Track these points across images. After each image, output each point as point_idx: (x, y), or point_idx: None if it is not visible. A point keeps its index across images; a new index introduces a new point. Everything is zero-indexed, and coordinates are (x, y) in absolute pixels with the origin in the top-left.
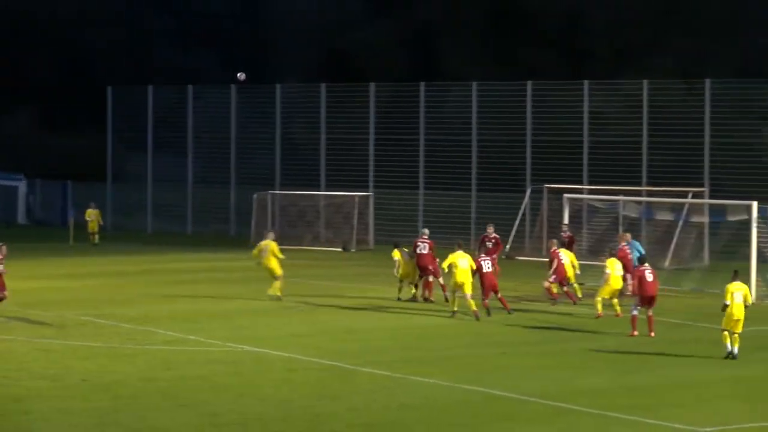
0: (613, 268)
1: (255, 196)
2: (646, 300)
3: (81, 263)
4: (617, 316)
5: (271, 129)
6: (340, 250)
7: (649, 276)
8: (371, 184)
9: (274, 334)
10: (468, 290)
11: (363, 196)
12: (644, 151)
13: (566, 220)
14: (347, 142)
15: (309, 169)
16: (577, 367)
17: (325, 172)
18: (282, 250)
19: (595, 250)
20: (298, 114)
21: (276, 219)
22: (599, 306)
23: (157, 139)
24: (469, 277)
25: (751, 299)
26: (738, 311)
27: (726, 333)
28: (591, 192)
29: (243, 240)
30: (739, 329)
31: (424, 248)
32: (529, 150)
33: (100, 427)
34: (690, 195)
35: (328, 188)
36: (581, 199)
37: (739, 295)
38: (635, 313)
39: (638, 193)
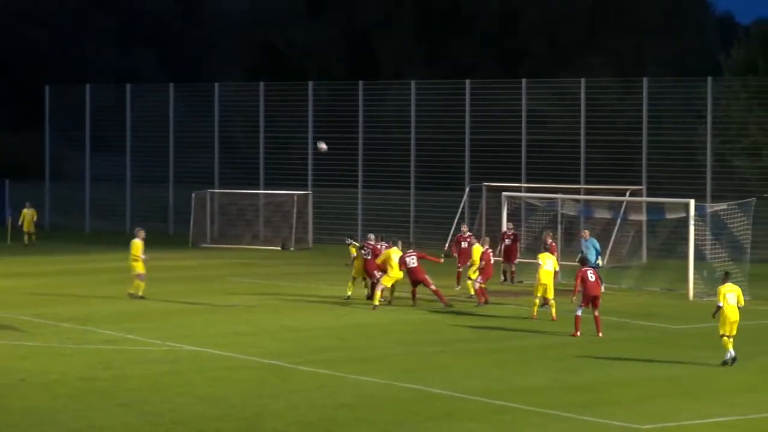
0: (544, 261)
1: (194, 194)
2: (589, 299)
3: (18, 263)
4: (533, 317)
5: (210, 128)
6: (279, 248)
7: (591, 276)
8: (310, 182)
9: (213, 333)
10: (388, 282)
11: (302, 194)
12: (582, 149)
13: (505, 218)
14: (286, 141)
15: (248, 167)
16: (516, 366)
17: (264, 170)
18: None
19: (534, 248)
20: (237, 113)
21: (215, 218)
22: (534, 308)
23: (96, 137)
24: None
25: (743, 300)
26: (732, 313)
27: (726, 339)
28: (529, 190)
29: (182, 239)
30: (735, 332)
31: (368, 254)
32: (467, 148)
33: (38, 426)
34: (628, 193)
35: (267, 187)
36: (519, 198)
37: (732, 296)
38: (579, 313)
39: (576, 192)
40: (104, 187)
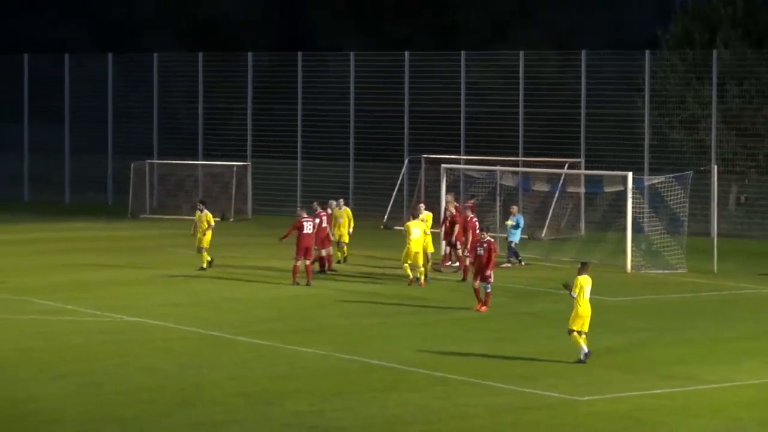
0: (410, 230)
1: (132, 165)
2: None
3: None
4: (410, 283)
5: (149, 98)
6: (218, 219)
7: (480, 250)
8: (249, 153)
9: (152, 303)
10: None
11: (241, 165)
12: (521, 122)
13: (444, 190)
14: (225, 112)
15: (187, 138)
16: (455, 337)
17: (203, 141)
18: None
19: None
20: (175, 84)
21: (154, 188)
22: (407, 270)
23: (33, 108)
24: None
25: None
26: (586, 309)
27: (577, 335)
28: (468, 162)
29: (121, 209)
30: (587, 327)
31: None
32: (407, 120)
33: None
34: (566, 166)
35: (206, 158)
36: (458, 170)
37: (588, 290)
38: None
39: (515, 164)
40: (43, 157)
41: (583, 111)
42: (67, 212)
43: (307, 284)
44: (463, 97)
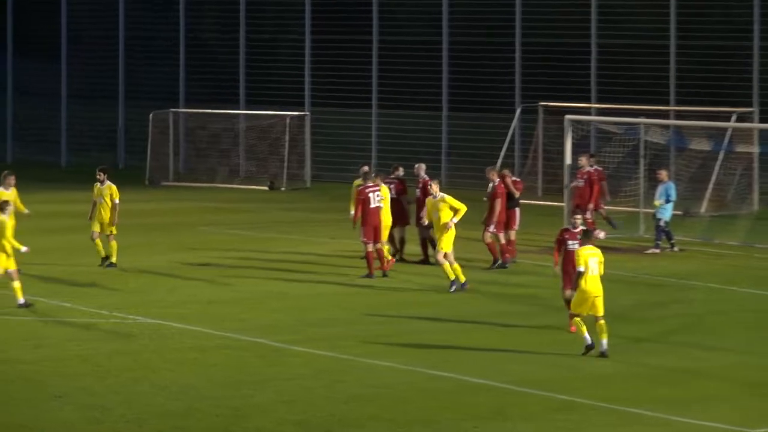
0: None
1: (152, 115)
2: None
3: None
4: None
5: (173, 27)
6: (266, 188)
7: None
8: (307, 100)
9: (176, 300)
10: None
11: (296, 116)
12: (672, 58)
13: (569, 149)
14: (274, 45)
15: (224, 80)
16: (578, 348)
17: (245, 84)
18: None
19: (610, 189)
20: (208, 7)
21: (180, 147)
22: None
23: (20, 38)
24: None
25: (603, 269)
26: (594, 286)
27: (579, 320)
28: (601, 113)
29: (136, 174)
30: (601, 311)
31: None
32: (518, 56)
33: None
34: (734, 117)
35: (249, 106)
36: (588, 122)
37: (594, 263)
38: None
39: (665, 115)
40: (32, 104)
41: (756, 44)
42: (65, 178)
43: (383, 275)
44: (594, 25)
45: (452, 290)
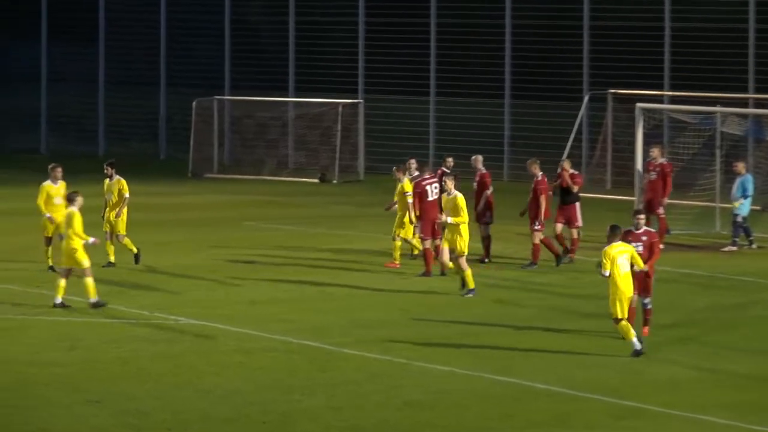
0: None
1: (195, 103)
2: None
3: None
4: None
5: (218, 10)
6: (316, 181)
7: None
8: (361, 87)
9: (221, 300)
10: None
11: (349, 104)
12: (751, 42)
13: (640, 140)
14: (326, 29)
15: (272, 66)
16: (652, 354)
17: (295, 70)
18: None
19: (683, 182)
20: None
21: (225, 136)
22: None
23: (55, 23)
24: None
25: (642, 263)
26: (627, 286)
27: (624, 323)
28: (674, 101)
29: (177, 165)
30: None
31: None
32: (586, 40)
33: None
34: None
35: (298, 93)
36: (661, 111)
37: (624, 260)
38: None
39: (743, 103)
40: (67, 92)
41: None
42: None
43: (442, 274)
44: (667, 7)
45: (470, 294)
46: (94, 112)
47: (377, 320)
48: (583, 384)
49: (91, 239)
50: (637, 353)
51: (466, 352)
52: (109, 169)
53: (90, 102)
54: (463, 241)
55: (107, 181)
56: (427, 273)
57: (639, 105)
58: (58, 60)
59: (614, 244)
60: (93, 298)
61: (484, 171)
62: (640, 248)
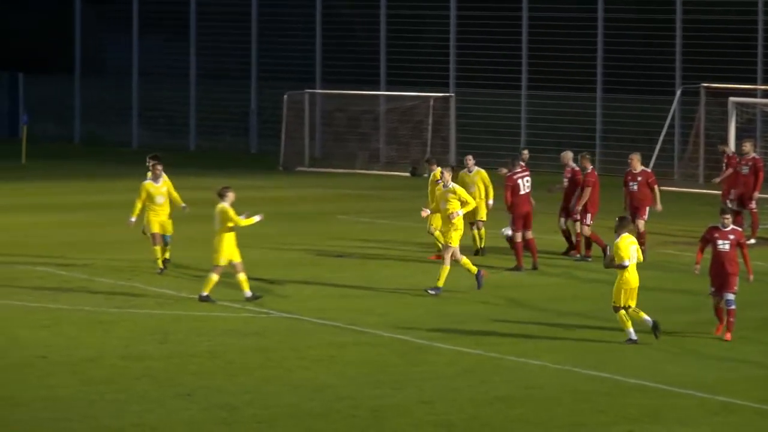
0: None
1: (286, 96)
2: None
3: (39, 191)
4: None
5: (309, 2)
6: (407, 174)
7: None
8: (453, 80)
9: (312, 293)
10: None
11: (441, 97)
12: None
13: (733, 134)
14: (418, 22)
15: (363, 59)
16: (745, 347)
17: (387, 63)
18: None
19: None
20: None
21: (316, 130)
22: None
23: (146, 16)
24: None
25: (642, 257)
26: (634, 276)
27: (628, 312)
28: None
29: (269, 159)
30: (635, 301)
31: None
32: (679, 34)
33: (60, 423)
34: None
35: (390, 86)
36: (754, 105)
37: (633, 251)
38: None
39: None
40: (158, 85)
41: None
42: (194, 163)
43: (534, 267)
44: (761, 0)
45: (432, 293)
46: (185, 106)
47: (468, 314)
48: (675, 379)
49: (256, 217)
50: (631, 341)
51: (557, 346)
52: (152, 161)
53: (181, 96)
54: (457, 234)
55: (150, 183)
56: (518, 267)
57: (732, 99)
58: (149, 54)
59: (624, 235)
60: (247, 292)
61: (575, 167)
62: (727, 246)
